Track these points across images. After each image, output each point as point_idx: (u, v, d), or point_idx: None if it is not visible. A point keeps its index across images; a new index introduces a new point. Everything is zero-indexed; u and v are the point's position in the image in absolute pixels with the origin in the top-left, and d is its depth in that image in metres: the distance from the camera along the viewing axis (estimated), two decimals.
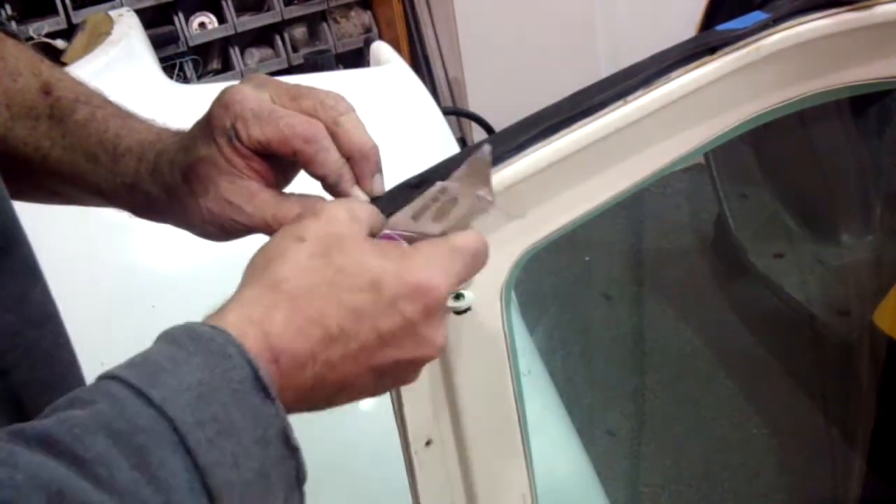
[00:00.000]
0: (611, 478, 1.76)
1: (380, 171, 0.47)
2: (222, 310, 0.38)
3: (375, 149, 0.46)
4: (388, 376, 0.41)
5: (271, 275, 0.39)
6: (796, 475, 1.74)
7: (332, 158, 0.45)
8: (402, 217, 0.43)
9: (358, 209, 0.42)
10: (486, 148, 0.43)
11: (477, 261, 0.43)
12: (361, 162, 0.45)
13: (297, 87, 0.47)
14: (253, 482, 0.34)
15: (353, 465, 0.96)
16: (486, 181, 0.43)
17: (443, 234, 0.43)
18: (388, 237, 0.43)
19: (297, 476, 0.37)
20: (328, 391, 0.39)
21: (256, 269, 0.40)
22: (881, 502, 1.44)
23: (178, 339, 0.35)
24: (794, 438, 1.81)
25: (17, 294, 0.42)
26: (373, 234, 0.42)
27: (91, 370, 0.37)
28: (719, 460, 1.80)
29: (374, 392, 0.42)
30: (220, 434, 0.33)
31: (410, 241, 0.43)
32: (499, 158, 0.48)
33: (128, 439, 0.30)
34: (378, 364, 0.40)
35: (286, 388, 0.37)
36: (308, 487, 1.05)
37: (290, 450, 0.36)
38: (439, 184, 0.44)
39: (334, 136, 0.45)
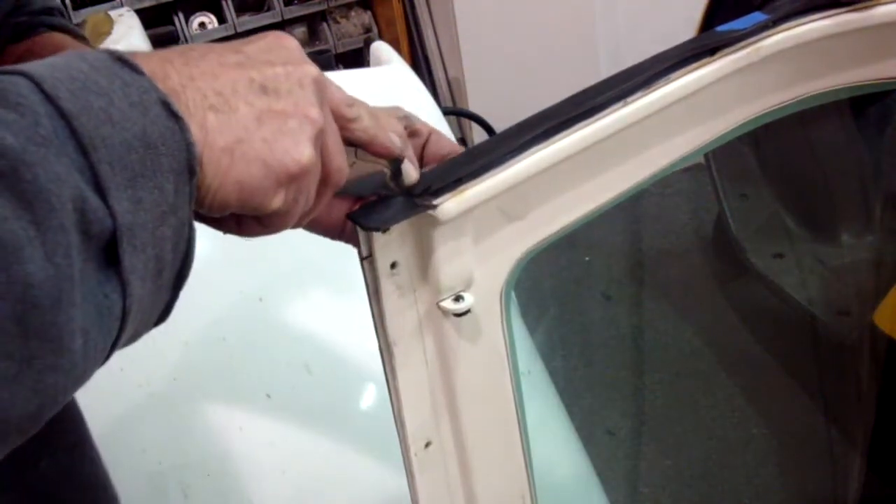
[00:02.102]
0: (611, 478, 1.76)
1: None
2: None
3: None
4: (268, 94, 0.39)
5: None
6: (796, 475, 1.74)
7: None
8: None
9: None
10: None
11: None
12: None
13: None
14: (135, 146, 0.32)
15: (352, 467, 0.96)
16: None
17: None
18: None
19: (189, 159, 0.34)
20: (205, 93, 0.37)
21: None
22: (881, 502, 1.44)
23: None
24: (794, 438, 1.81)
25: None
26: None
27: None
28: (719, 460, 1.80)
29: (257, 132, 0.38)
30: (84, 90, 0.31)
31: None
32: (499, 160, 0.48)
33: None
34: (249, 71, 0.39)
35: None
36: (308, 489, 1.05)
37: (175, 118, 0.34)
38: None
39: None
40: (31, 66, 0.31)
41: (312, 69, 0.41)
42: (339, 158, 0.43)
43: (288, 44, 0.42)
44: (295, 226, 0.44)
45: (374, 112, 0.47)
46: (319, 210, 0.45)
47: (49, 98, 0.30)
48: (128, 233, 0.31)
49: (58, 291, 0.29)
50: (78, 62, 0.33)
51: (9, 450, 0.30)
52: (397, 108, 0.53)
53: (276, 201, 0.39)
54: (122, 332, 0.33)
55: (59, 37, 0.59)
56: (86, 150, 0.30)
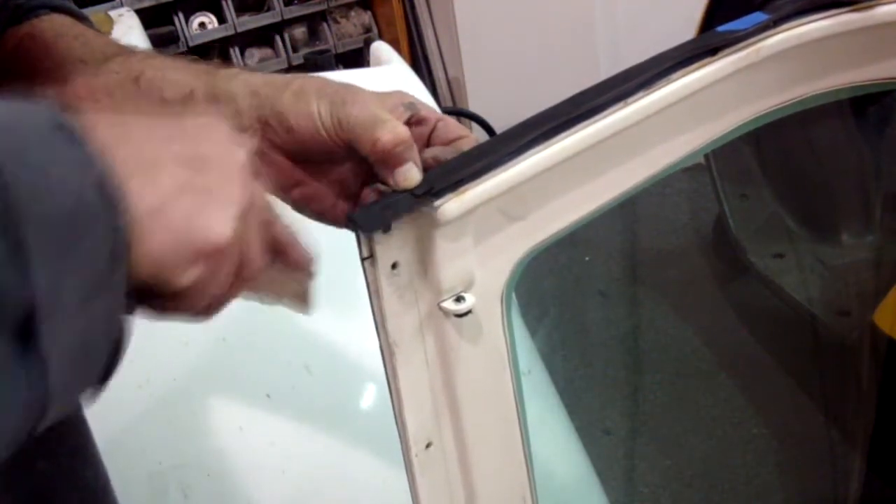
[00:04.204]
0: (611, 478, 1.77)
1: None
2: None
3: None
4: (195, 162, 0.38)
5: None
6: (796, 475, 1.74)
7: None
8: None
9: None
10: None
11: None
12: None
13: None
14: (60, 223, 0.30)
15: (352, 467, 0.96)
16: None
17: None
18: None
19: (119, 239, 0.33)
20: (127, 158, 0.35)
21: None
22: (881, 502, 1.44)
23: None
24: (794, 438, 1.81)
25: None
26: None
27: None
28: (719, 460, 1.80)
29: (177, 203, 0.37)
30: (21, 163, 0.30)
31: None
32: (500, 161, 0.48)
33: None
34: (179, 145, 0.38)
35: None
36: (308, 489, 1.05)
37: (110, 201, 0.32)
38: None
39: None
40: None
41: (242, 154, 0.41)
42: (256, 249, 0.42)
43: (221, 128, 0.41)
44: (201, 317, 0.42)
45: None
46: (229, 302, 0.44)
47: None
48: (48, 315, 0.30)
49: None
50: (18, 125, 0.31)
51: None
52: (402, 94, 0.53)
53: (187, 278, 0.37)
54: (43, 417, 0.31)
55: (59, 19, 0.57)
56: (10, 225, 0.29)
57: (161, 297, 0.39)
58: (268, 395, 0.98)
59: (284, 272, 0.47)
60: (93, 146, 0.33)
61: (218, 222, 0.38)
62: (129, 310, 0.36)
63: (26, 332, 0.29)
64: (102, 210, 0.32)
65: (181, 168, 0.37)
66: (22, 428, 0.31)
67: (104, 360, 0.35)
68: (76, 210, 0.31)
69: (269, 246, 0.45)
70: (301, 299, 0.50)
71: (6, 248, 0.28)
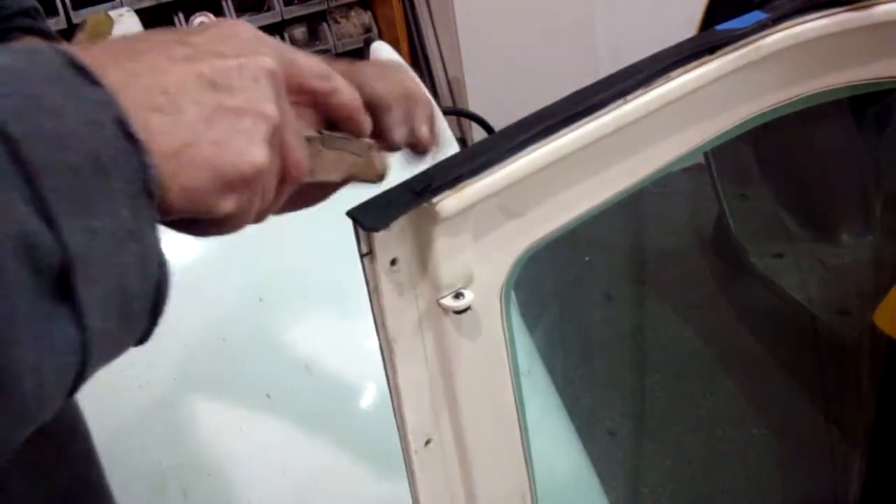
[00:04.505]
0: (611, 477, 1.77)
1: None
2: None
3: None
4: (217, 90, 0.36)
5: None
6: (796, 475, 1.74)
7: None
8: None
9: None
10: None
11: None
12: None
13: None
14: (85, 170, 0.29)
15: (353, 467, 0.96)
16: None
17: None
18: None
19: (146, 180, 0.32)
20: (150, 92, 0.34)
21: None
22: (881, 502, 1.44)
23: None
24: (794, 438, 1.81)
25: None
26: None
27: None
28: (719, 460, 1.80)
29: (206, 134, 0.35)
30: (36, 109, 0.29)
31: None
32: (499, 158, 0.48)
33: None
34: (196, 66, 0.36)
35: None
36: (308, 489, 1.05)
37: (132, 141, 0.31)
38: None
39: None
40: None
41: (267, 60, 0.38)
42: (299, 153, 0.40)
43: (241, 32, 0.39)
44: (255, 221, 0.41)
45: (360, 78, 0.46)
46: (280, 205, 0.42)
47: None
48: (81, 264, 0.29)
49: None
50: (30, 69, 0.30)
51: None
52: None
53: (227, 206, 0.36)
54: (86, 365, 0.30)
55: (33, 42, 0.57)
56: (31, 178, 0.28)
57: (203, 224, 0.38)
58: (268, 395, 0.98)
59: (341, 146, 0.45)
60: (107, 83, 0.32)
61: (250, 148, 0.36)
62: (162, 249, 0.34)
63: (63, 285, 0.29)
64: (126, 149, 0.31)
65: (206, 92, 0.35)
66: (64, 384, 0.30)
67: (146, 305, 0.33)
68: (98, 153, 0.30)
69: (333, 120, 0.43)
70: (367, 168, 0.48)
71: (31, 204, 0.28)
